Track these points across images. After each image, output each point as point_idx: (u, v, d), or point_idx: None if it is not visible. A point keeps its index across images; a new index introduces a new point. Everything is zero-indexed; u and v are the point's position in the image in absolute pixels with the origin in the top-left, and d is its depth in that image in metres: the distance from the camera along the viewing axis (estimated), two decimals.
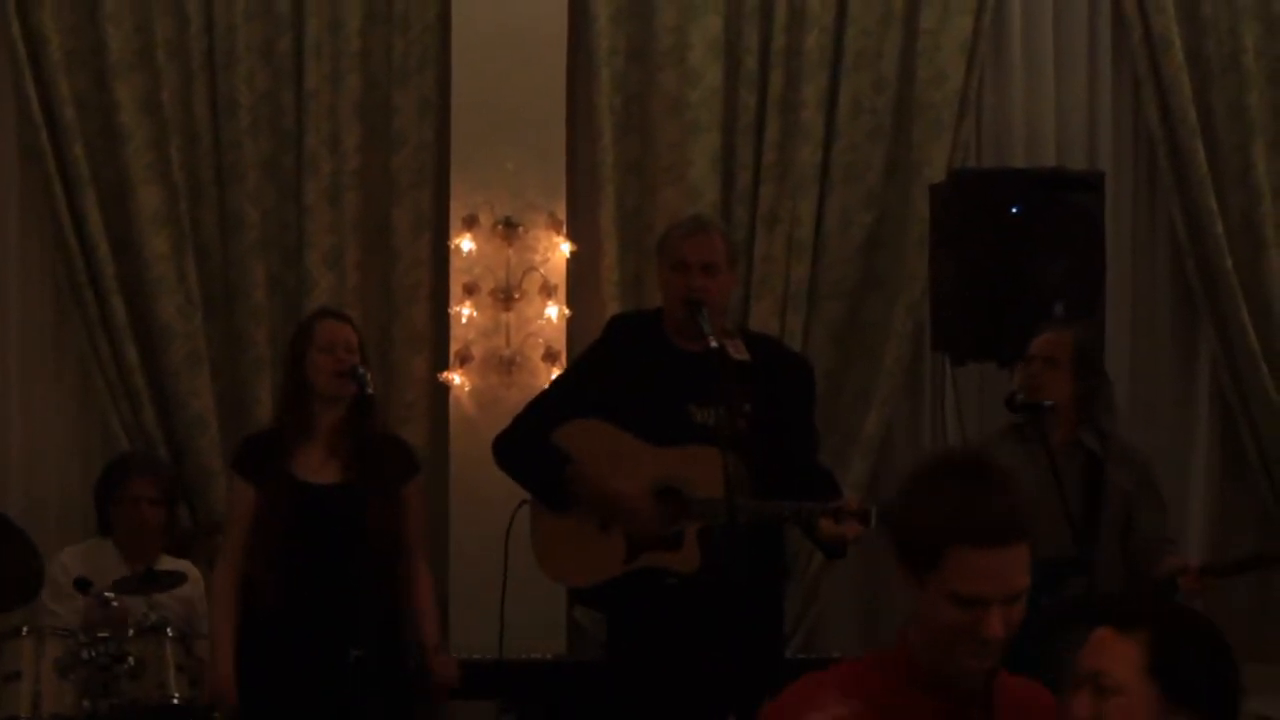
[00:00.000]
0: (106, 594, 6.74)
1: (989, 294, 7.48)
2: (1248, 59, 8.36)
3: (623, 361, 6.46)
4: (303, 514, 6.24)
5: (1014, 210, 7.67)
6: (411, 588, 6.46)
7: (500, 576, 6.92)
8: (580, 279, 8.32)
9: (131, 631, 6.65)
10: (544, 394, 6.80)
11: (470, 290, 8.17)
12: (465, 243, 8.17)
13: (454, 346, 8.23)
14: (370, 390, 6.28)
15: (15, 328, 8.38)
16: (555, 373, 7.93)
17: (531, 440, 6.42)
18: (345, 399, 6.30)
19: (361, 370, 6.25)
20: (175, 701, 6.59)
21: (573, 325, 8.20)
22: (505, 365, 8.14)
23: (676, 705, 5.92)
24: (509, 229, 8.17)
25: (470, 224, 8.18)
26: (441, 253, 8.32)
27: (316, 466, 6.29)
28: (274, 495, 6.27)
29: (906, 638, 3.41)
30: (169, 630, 6.70)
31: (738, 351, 6.14)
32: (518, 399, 7.48)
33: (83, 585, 6.77)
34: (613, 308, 8.00)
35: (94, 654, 6.54)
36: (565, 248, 8.24)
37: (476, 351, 8.18)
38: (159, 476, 7.52)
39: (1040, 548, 6.13)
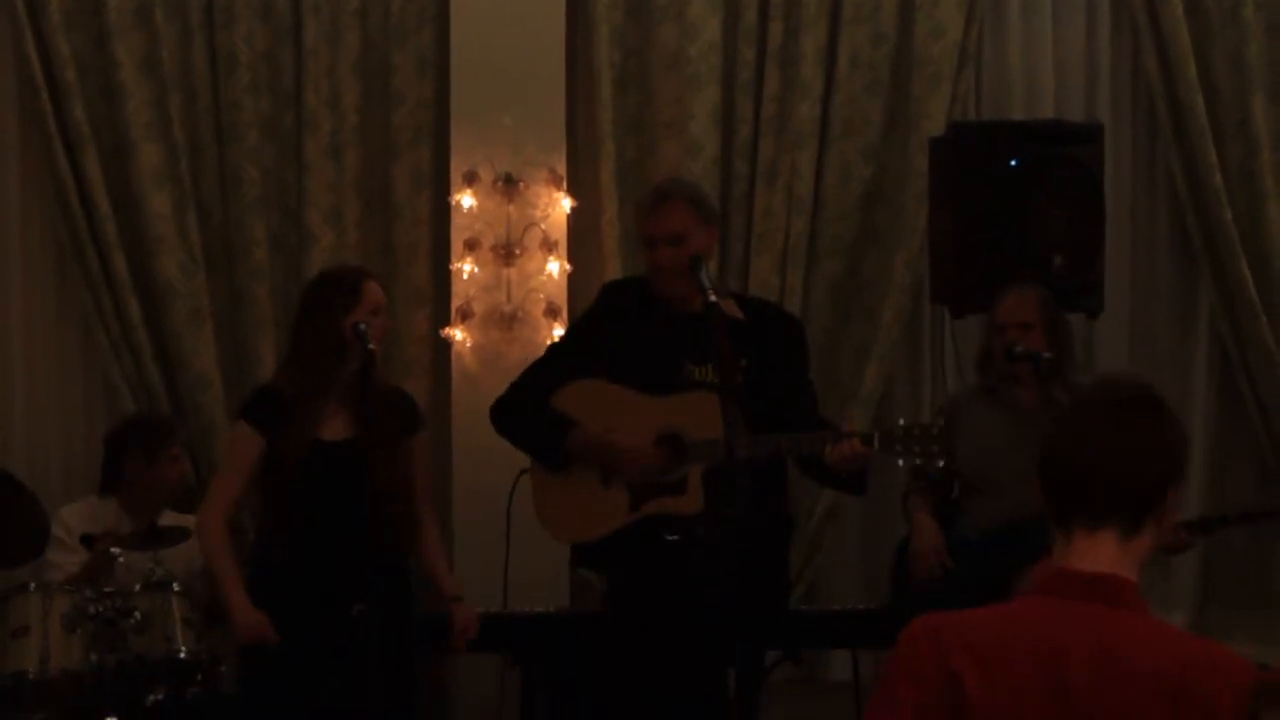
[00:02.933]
0: (113, 550, 6.86)
1: (988, 247, 7.53)
2: (1247, 10, 8.38)
3: (618, 325, 6.56)
4: (313, 469, 6.28)
5: (1013, 163, 7.69)
6: (420, 541, 6.49)
7: (503, 529, 7.08)
8: (581, 234, 8.39)
9: (138, 586, 6.74)
10: (539, 361, 6.86)
11: (471, 246, 8.23)
12: (466, 199, 8.22)
13: (455, 302, 8.28)
14: (371, 346, 6.31)
15: (18, 286, 8.41)
16: (557, 328, 8.04)
17: (529, 406, 6.54)
18: (360, 354, 6.33)
19: (363, 326, 6.29)
20: (182, 655, 6.68)
21: (574, 280, 8.26)
22: (506, 321, 8.21)
23: (677, 658, 6.01)
24: (509, 185, 8.23)
25: (470, 180, 8.22)
26: (442, 209, 8.38)
27: (327, 422, 6.34)
28: (286, 449, 6.31)
29: None
30: (175, 585, 6.80)
31: (731, 310, 6.25)
32: (519, 354, 7.68)
33: (88, 542, 6.91)
34: (613, 263, 8.13)
35: (101, 609, 6.61)
36: (566, 203, 8.31)
37: (478, 307, 8.25)
38: (183, 439, 7.66)
39: (1017, 506, 6.34)
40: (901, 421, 6.30)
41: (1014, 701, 3.16)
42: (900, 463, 6.04)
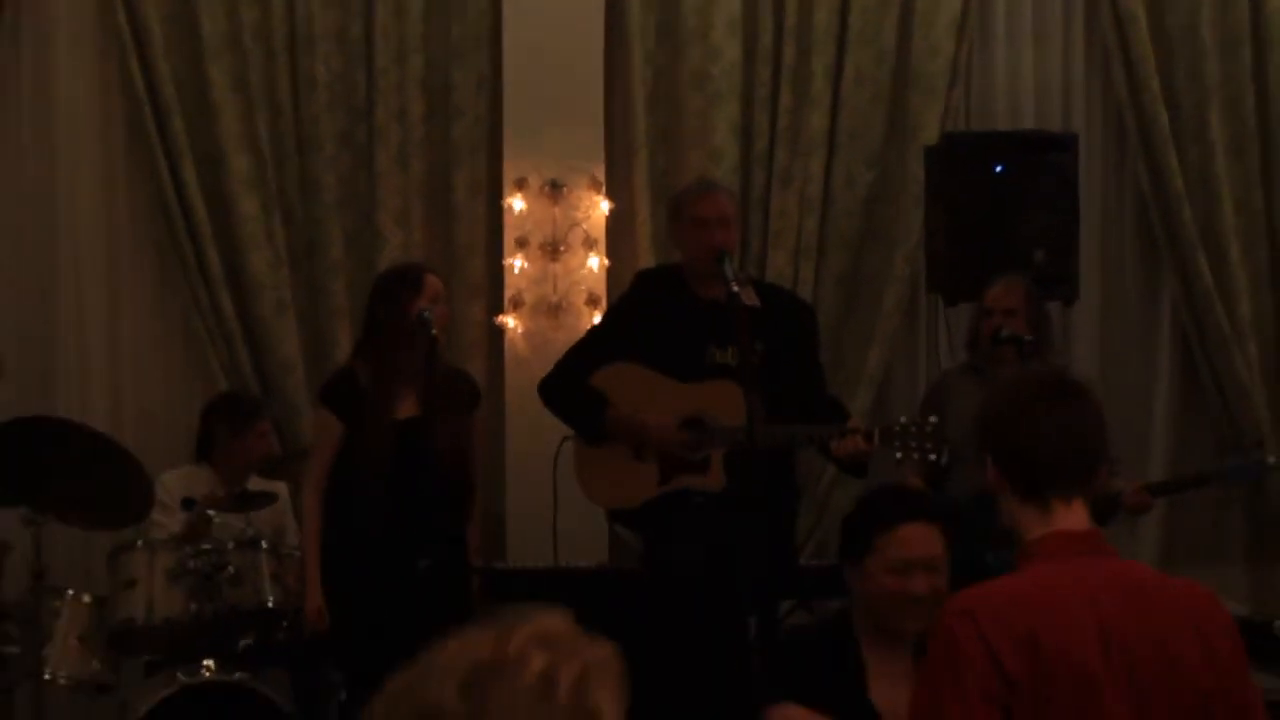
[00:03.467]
0: (209, 512, 6.92)
1: (976, 243, 7.57)
2: (1204, 31, 8.38)
3: (649, 311, 6.64)
4: (383, 444, 6.33)
5: (998, 169, 7.76)
6: (469, 511, 6.54)
7: (551, 494, 7.14)
8: (618, 233, 8.38)
9: (231, 544, 6.81)
10: (581, 342, 6.94)
11: (521, 244, 8.25)
12: (517, 202, 8.23)
13: (508, 294, 8.29)
14: (434, 331, 6.39)
15: (125, 281, 8.45)
16: (596, 316, 8.02)
17: (572, 384, 6.62)
18: (427, 340, 6.38)
19: (426, 314, 6.36)
20: (270, 605, 6.77)
21: (611, 274, 8.25)
22: (553, 310, 8.22)
23: (704, 607, 6.05)
24: (555, 190, 8.23)
25: (521, 186, 8.24)
26: (496, 212, 8.36)
27: (396, 402, 6.38)
28: (359, 428, 6.38)
29: None
30: (263, 543, 6.89)
31: (749, 298, 6.32)
32: (564, 339, 7.62)
33: (189, 505, 6.93)
34: (646, 258, 8.12)
35: (199, 564, 6.70)
36: (604, 206, 8.30)
37: (527, 298, 8.26)
38: (268, 415, 7.72)
39: None
40: (902, 420, 6.29)
41: (1071, 654, 3.16)
42: (899, 456, 6.07)
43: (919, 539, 4.20)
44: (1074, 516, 3.36)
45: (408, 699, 2.26)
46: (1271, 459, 7.54)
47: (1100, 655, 3.17)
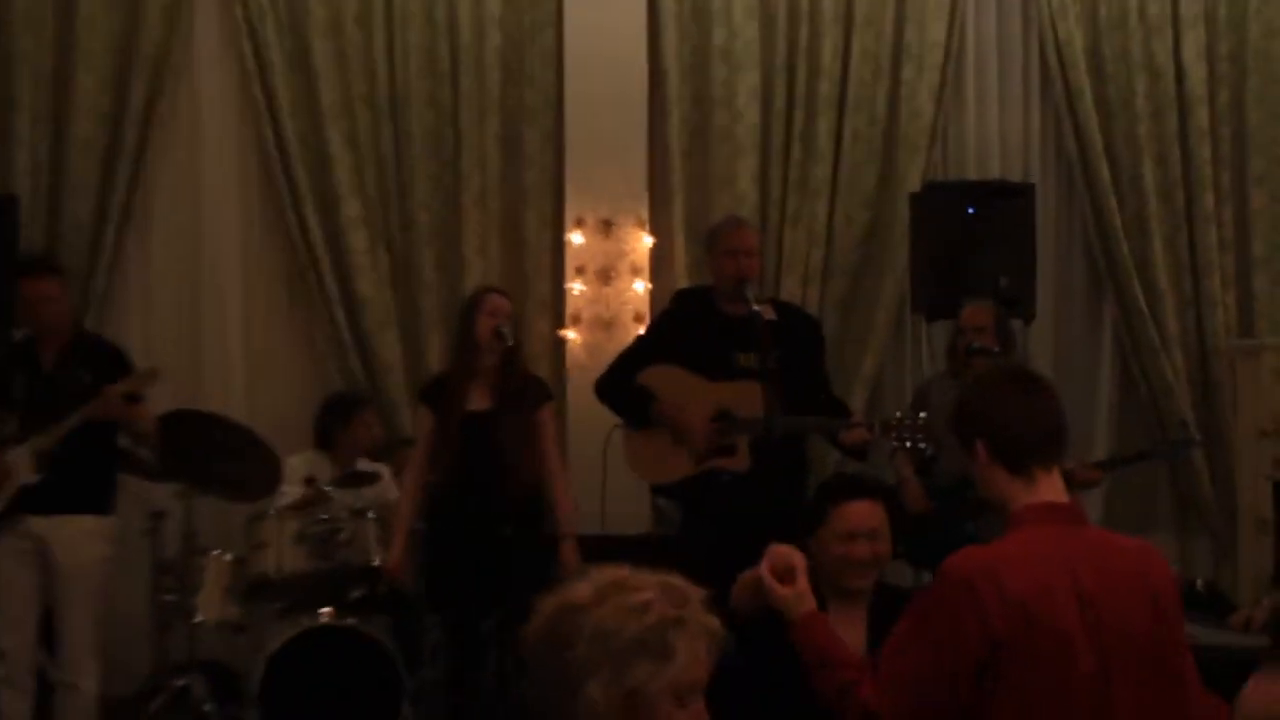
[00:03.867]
0: (326, 488, 6.99)
1: (951, 272, 7.54)
2: (1139, 100, 8.40)
3: (686, 323, 6.71)
4: (465, 433, 6.35)
5: (969, 211, 7.73)
6: (552, 486, 6.51)
7: (602, 475, 7.15)
8: (659, 262, 8.37)
9: (344, 514, 6.84)
10: (629, 348, 6.97)
11: (579, 271, 8.29)
12: (576, 237, 8.27)
13: (568, 312, 8.31)
14: (509, 342, 6.39)
15: (259, 302, 8.51)
16: (640, 330, 7.96)
17: (623, 382, 6.67)
18: (498, 349, 6.39)
19: (503, 329, 6.36)
20: (375, 564, 6.79)
21: (653, 296, 8.24)
22: (605, 325, 8.25)
23: (730, 567, 6.11)
24: (607, 227, 8.28)
25: (579, 223, 8.28)
26: (559, 244, 8.38)
27: (476, 399, 6.39)
28: (447, 420, 6.41)
29: None
30: (370, 513, 6.89)
31: (768, 314, 6.36)
32: (614, 349, 7.53)
33: (310, 482, 6.99)
34: (681, 283, 8.04)
35: (318, 530, 6.75)
36: (647, 240, 8.32)
37: (584, 316, 8.29)
38: (373, 409, 7.79)
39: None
40: (898, 414, 6.35)
41: (1054, 614, 3.17)
42: (894, 444, 6.15)
43: (862, 512, 4.25)
44: (1054, 487, 3.38)
45: (556, 598, 2.67)
46: (1197, 437, 7.63)
47: (1076, 615, 3.18)
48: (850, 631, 4.01)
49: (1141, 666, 3.22)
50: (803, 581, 3.60)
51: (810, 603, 3.58)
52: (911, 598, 3.61)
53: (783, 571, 3.62)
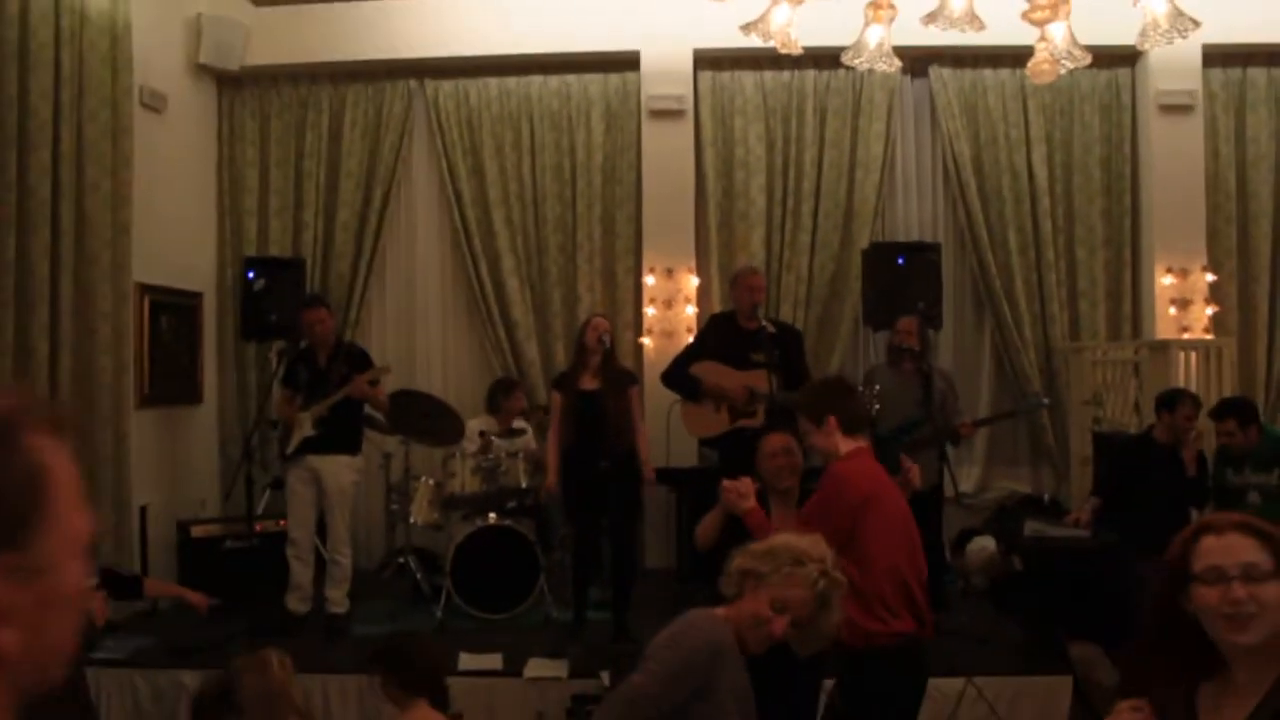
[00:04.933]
0: (493, 438, 6.94)
1: (889, 300, 7.43)
2: (1004, 191, 8.12)
3: (719, 335, 6.55)
4: (581, 405, 6.25)
5: (900, 260, 7.66)
6: (635, 439, 6.31)
7: (667, 430, 7.08)
8: (702, 295, 8.24)
9: (504, 454, 6.81)
10: (682, 352, 6.78)
11: (652, 300, 8.19)
12: (649, 279, 8.18)
13: (645, 325, 8.20)
14: (608, 346, 6.32)
15: (450, 326, 8.54)
16: (690, 339, 7.76)
17: (681, 372, 6.54)
18: (600, 351, 6.28)
19: (604, 337, 6.29)
20: (524, 486, 6.74)
21: (699, 317, 8.09)
22: (668, 335, 8.10)
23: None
24: (669, 273, 8.18)
25: (651, 271, 8.18)
26: (639, 285, 8.26)
27: (588, 382, 6.29)
28: (568, 396, 6.31)
29: None
30: (520, 454, 6.85)
31: (770, 329, 6.27)
32: (673, 349, 7.48)
33: (483, 435, 6.95)
34: (716, 308, 7.85)
35: (487, 464, 6.75)
36: (694, 281, 8.19)
37: (655, 329, 8.17)
38: (522, 389, 7.67)
39: (906, 415, 6.22)
40: (859, 389, 6.30)
41: (880, 495, 3.73)
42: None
43: (775, 441, 4.37)
44: (863, 441, 3.83)
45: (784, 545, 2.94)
46: (1046, 400, 7.44)
47: (887, 492, 3.75)
48: (785, 514, 4.17)
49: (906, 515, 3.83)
50: (750, 494, 3.95)
51: (752, 503, 3.92)
52: (818, 486, 3.83)
53: (740, 493, 3.94)
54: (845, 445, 3.76)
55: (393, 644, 3.68)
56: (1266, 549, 1.86)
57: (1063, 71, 3.71)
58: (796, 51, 4.08)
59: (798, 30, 5.62)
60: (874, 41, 3.80)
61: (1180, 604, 1.91)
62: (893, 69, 3.94)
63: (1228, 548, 1.88)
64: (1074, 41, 3.68)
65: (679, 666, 2.73)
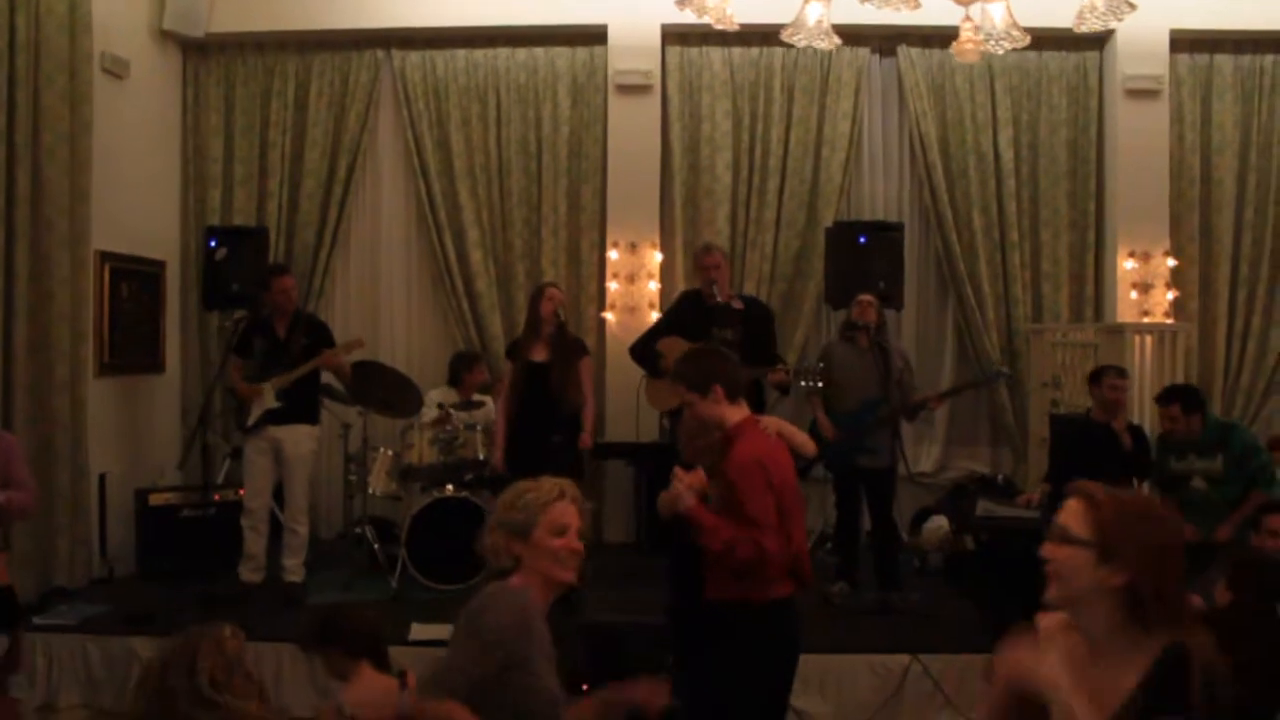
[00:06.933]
0: (451, 410, 6.93)
1: (850, 277, 7.44)
2: (970, 172, 8.12)
3: (685, 311, 6.61)
4: (530, 376, 6.29)
5: (862, 240, 7.70)
6: (582, 409, 6.39)
7: (635, 405, 7.11)
8: (665, 271, 8.25)
9: (462, 427, 6.82)
10: (651, 327, 6.85)
11: (615, 275, 8.19)
12: (613, 254, 8.18)
13: (608, 301, 8.20)
14: (563, 319, 6.39)
15: (414, 298, 8.54)
16: (654, 314, 7.91)
17: (646, 347, 6.60)
18: (554, 322, 6.32)
19: (560, 313, 6.35)
20: (481, 458, 6.75)
21: (662, 292, 8.14)
22: (631, 310, 8.14)
23: None
24: (633, 248, 8.18)
25: (615, 245, 8.18)
26: (603, 259, 8.23)
27: (539, 353, 6.32)
28: (519, 367, 6.33)
29: None
30: (478, 427, 6.86)
31: (736, 304, 6.33)
32: (638, 326, 7.62)
33: (441, 407, 6.95)
34: (680, 285, 7.93)
35: (445, 436, 6.77)
36: (658, 256, 8.19)
37: (618, 304, 8.19)
38: (483, 362, 7.64)
39: (866, 394, 6.23)
40: (805, 363, 6.47)
41: (779, 464, 3.70)
42: (803, 384, 5.99)
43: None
44: (744, 407, 3.78)
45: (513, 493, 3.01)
46: (1007, 370, 7.46)
47: (783, 466, 3.70)
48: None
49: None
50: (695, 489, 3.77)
51: (693, 500, 3.66)
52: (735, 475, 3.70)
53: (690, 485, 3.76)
54: (733, 414, 3.74)
55: (322, 621, 3.71)
56: (1089, 517, 2.00)
57: (999, 52, 3.73)
58: (732, 27, 4.09)
59: (758, 7, 5.64)
60: (813, 19, 3.81)
61: None
62: (831, 46, 3.95)
63: (1066, 509, 2.06)
64: (1014, 23, 3.70)
65: (489, 638, 2.74)
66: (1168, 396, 6.16)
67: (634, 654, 4.94)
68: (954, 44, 3.74)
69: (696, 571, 3.78)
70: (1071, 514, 2.03)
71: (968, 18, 3.65)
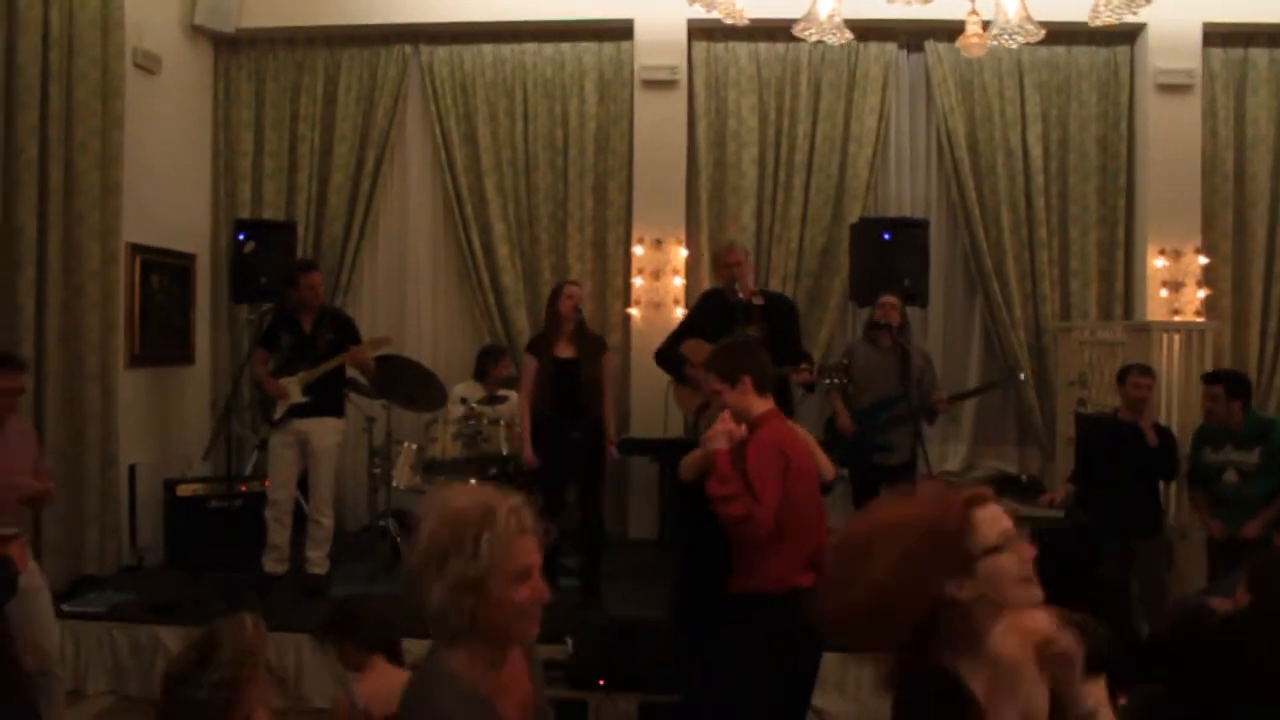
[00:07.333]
0: (475, 405, 6.95)
1: (875, 275, 7.41)
2: (998, 168, 8.09)
3: (709, 310, 6.54)
4: (554, 371, 6.29)
5: (887, 237, 7.64)
6: (604, 410, 6.38)
7: (660, 402, 7.11)
8: (690, 267, 8.26)
9: (485, 420, 6.82)
10: (675, 331, 6.77)
11: (640, 271, 8.20)
12: (638, 249, 8.18)
13: (633, 297, 8.21)
14: (582, 315, 6.40)
15: (441, 293, 8.59)
16: (679, 310, 7.93)
17: (670, 351, 6.53)
18: (574, 319, 6.33)
19: (580, 309, 6.37)
20: (505, 453, 6.72)
21: (687, 289, 8.15)
22: (656, 306, 8.15)
23: None
24: (658, 244, 8.18)
25: (641, 241, 8.19)
26: (628, 255, 8.24)
27: (561, 349, 6.33)
28: (543, 362, 6.34)
29: None
30: (501, 421, 6.84)
31: (758, 301, 6.29)
32: (663, 322, 7.65)
33: (465, 402, 6.99)
34: (705, 282, 7.93)
35: (468, 430, 6.77)
36: (683, 253, 8.20)
37: (643, 300, 8.19)
38: (509, 357, 7.69)
39: (885, 393, 6.24)
40: (829, 361, 6.46)
41: (802, 460, 3.79)
42: (827, 381, 5.97)
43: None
44: (771, 401, 3.85)
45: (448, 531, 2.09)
46: (1023, 375, 7.43)
47: (804, 456, 3.80)
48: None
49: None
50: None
51: (724, 444, 3.77)
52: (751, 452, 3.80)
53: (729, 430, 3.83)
54: (759, 405, 3.79)
55: (336, 614, 3.76)
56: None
57: (1013, 46, 3.71)
58: (742, 22, 4.09)
59: (783, 3, 5.63)
60: (824, 13, 3.81)
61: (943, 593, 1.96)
62: (843, 41, 3.94)
63: (996, 515, 2.03)
64: (1028, 17, 3.68)
65: None
66: (1214, 377, 6.11)
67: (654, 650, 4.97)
68: (959, 38, 3.72)
69: (708, 566, 3.81)
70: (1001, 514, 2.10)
71: (974, 11, 3.64)
